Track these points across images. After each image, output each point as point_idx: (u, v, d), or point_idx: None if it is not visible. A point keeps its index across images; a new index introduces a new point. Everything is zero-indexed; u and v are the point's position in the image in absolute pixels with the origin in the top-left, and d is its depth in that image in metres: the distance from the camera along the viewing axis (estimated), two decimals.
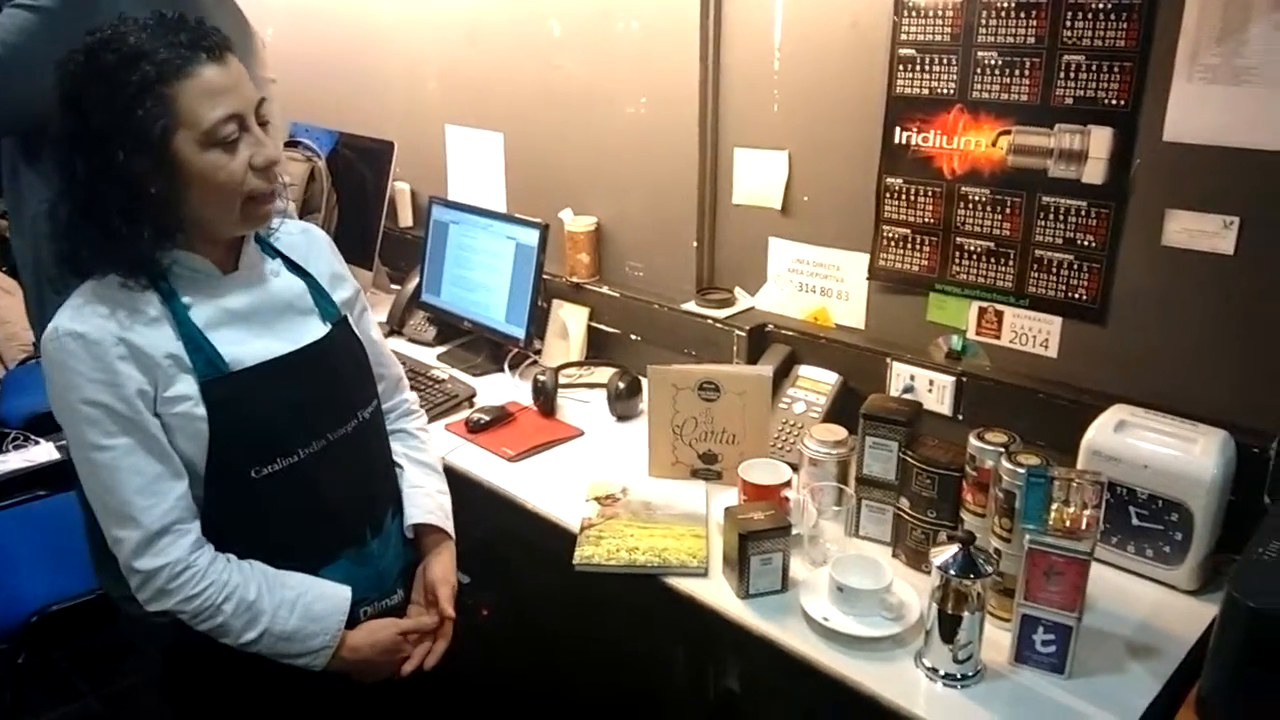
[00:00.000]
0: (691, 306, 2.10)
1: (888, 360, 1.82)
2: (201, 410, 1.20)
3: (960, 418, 1.75)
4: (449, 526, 1.49)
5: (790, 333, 1.97)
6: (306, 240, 1.42)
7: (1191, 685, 1.24)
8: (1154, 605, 1.44)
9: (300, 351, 1.30)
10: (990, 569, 1.26)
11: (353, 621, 1.31)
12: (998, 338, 1.73)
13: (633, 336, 2.22)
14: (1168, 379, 1.54)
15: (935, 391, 1.77)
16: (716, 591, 1.48)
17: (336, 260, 1.46)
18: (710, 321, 2.05)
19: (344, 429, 1.33)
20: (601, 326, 2.28)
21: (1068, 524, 1.26)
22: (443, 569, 1.45)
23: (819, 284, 1.96)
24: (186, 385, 1.20)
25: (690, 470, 1.78)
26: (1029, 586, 1.28)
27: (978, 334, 1.75)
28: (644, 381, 1.98)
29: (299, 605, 1.25)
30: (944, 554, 1.28)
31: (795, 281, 2.00)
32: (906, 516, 1.52)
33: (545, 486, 1.77)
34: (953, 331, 1.78)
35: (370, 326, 1.50)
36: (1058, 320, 1.65)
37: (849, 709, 1.31)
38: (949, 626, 1.28)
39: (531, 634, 1.74)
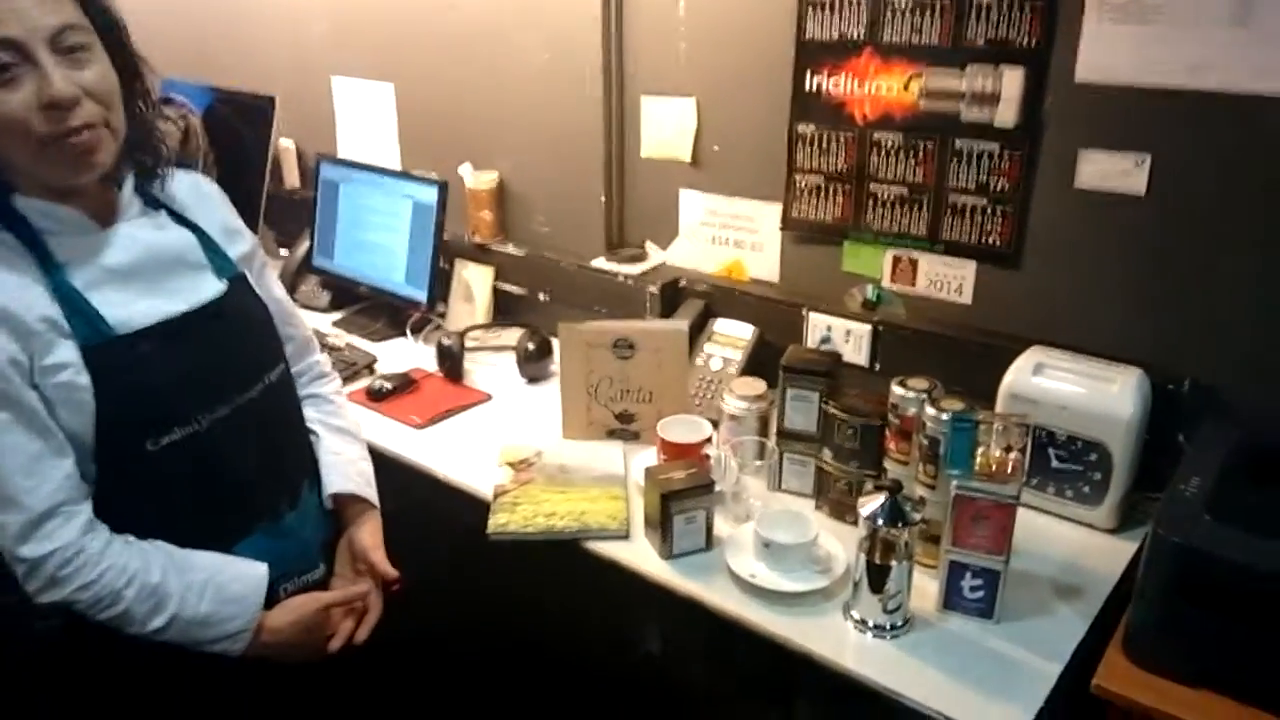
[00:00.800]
0: (601, 263, 2.02)
1: (804, 311, 1.79)
2: (84, 379, 1.08)
3: (877, 368, 1.73)
4: (372, 495, 1.40)
5: (704, 287, 1.92)
6: (195, 191, 1.30)
7: (1117, 623, 1.25)
8: (1075, 545, 1.44)
9: (196, 311, 1.19)
10: (918, 517, 1.24)
11: (272, 600, 1.23)
12: (913, 285, 1.71)
13: (541, 296, 2.14)
14: (1083, 320, 1.54)
15: (852, 342, 1.74)
16: (639, 554, 1.42)
17: (230, 213, 1.34)
18: (621, 278, 1.98)
19: (249, 394, 1.23)
20: (508, 287, 2.19)
21: (993, 468, 1.24)
22: (371, 536, 1.36)
23: (732, 236, 1.90)
24: (66, 352, 1.07)
25: (606, 431, 1.71)
26: (956, 533, 1.26)
27: (892, 282, 1.73)
28: (554, 342, 1.91)
29: (210, 587, 1.16)
30: (871, 504, 1.25)
31: (708, 234, 1.94)
32: (829, 468, 1.49)
33: (455, 454, 1.69)
34: (868, 281, 1.76)
35: (272, 284, 1.39)
36: (972, 265, 1.64)
37: (778, 666, 1.27)
38: (877, 577, 1.25)
39: (445, 608, 1.66)
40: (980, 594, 1.28)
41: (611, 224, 2.05)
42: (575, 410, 1.70)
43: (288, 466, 1.32)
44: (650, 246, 2.03)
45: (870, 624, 1.27)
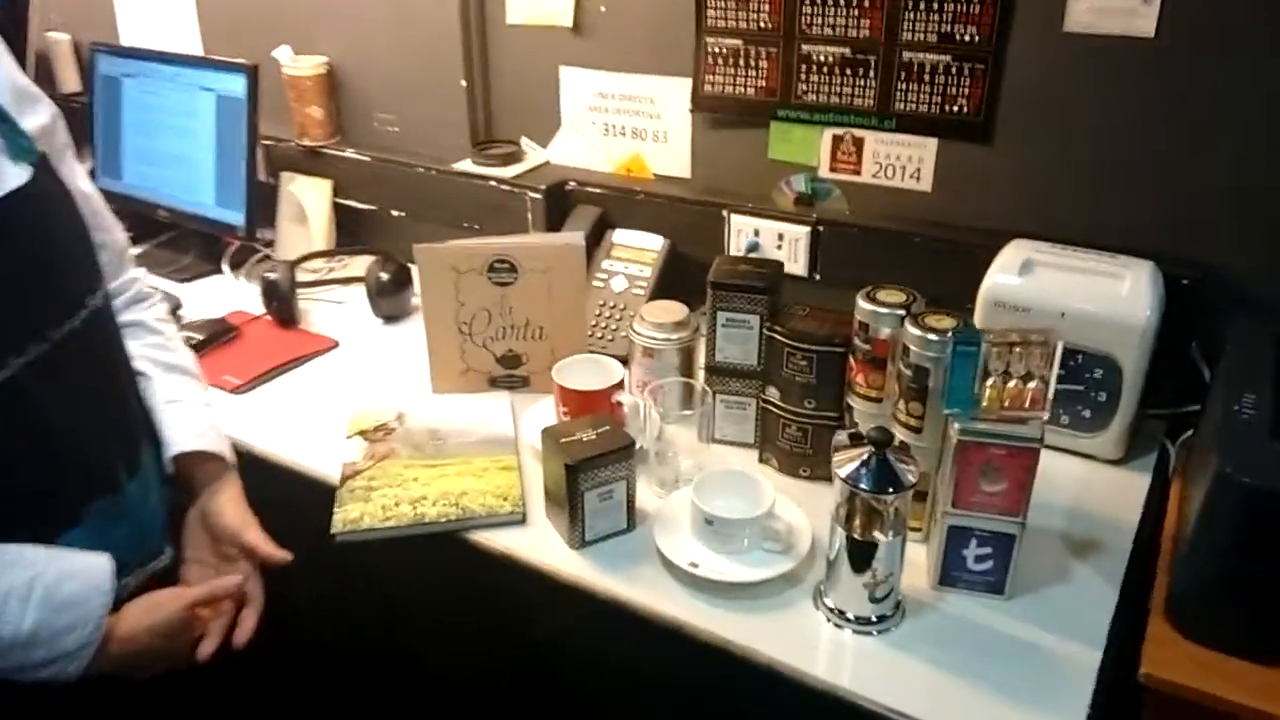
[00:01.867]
0: (467, 166, 1.63)
1: (724, 213, 1.44)
2: None
3: (818, 277, 1.41)
4: (227, 450, 1.09)
5: (598, 190, 1.55)
6: None
7: (1147, 581, 0.99)
8: (1079, 484, 1.17)
9: None
10: (913, 478, 0.92)
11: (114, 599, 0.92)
12: (858, 173, 1.38)
13: (394, 212, 1.74)
14: (1073, 203, 1.25)
15: (786, 247, 1.41)
16: (541, 542, 1.08)
17: (18, 72, 0.94)
18: (493, 184, 1.59)
19: (71, 323, 0.91)
20: (350, 203, 1.77)
21: (1006, 403, 0.93)
22: (235, 506, 1.05)
23: (630, 124, 1.53)
24: None
25: (488, 379, 1.35)
26: (959, 490, 0.96)
27: (833, 170, 1.40)
28: (414, 269, 1.53)
29: (36, 592, 0.85)
30: (850, 461, 0.93)
31: (599, 123, 1.56)
32: (777, 411, 1.17)
33: (289, 424, 1.30)
34: (801, 170, 1.42)
35: (78, 173, 1.02)
36: (932, 143, 1.32)
37: (729, 667, 0.97)
38: (861, 556, 0.94)
39: (295, 625, 1.28)
40: (988, 564, 0.99)
41: (476, 116, 1.65)
42: (445, 355, 1.33)
43: (124, 421, 1.00)
44: (527, 143, 1.64)
45: (850, 616, 0.97)
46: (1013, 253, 1.20)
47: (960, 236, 1.30)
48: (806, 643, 0.96)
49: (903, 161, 1.34)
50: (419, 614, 1.27)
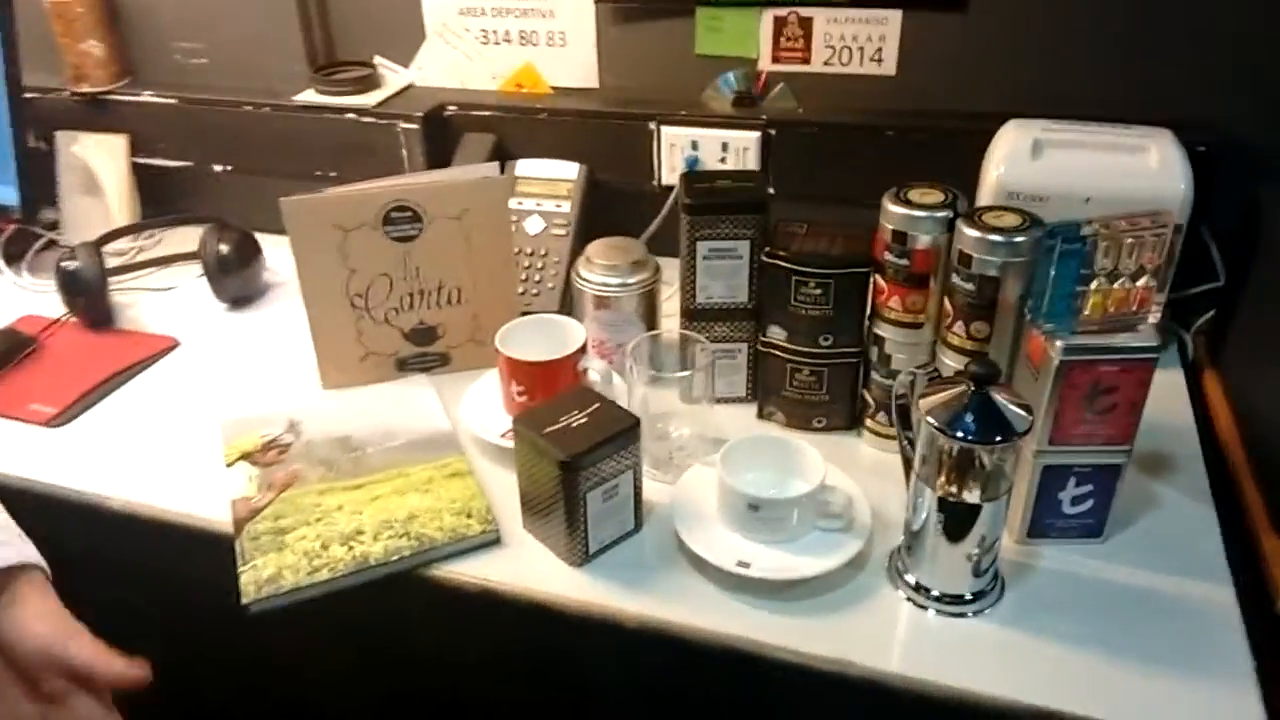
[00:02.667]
0: (310, 97, 1.29)
1: (653, 125, 1.19)
2: None
3: (771, 190, 1.19)
4: (26, 550, 0.72)
5: (487, 112, 1.26)
6: None
7: (1225, 493, 0.88)
8: None
9: None
10: (1029, 416, 0.73)
11: None
12: (806, 61, 1.17)
13: (216, 167, 1.37)
14: (1065, 71, 1.09)
15: (733, 158, 1.19)
16: (529, 565, 0.83)
17: None
18: (350, 116, 1.26)
19: None
20: (154, 161, 1.39)
21: (1111, 309, 0.76)
22: (46, 616, 0.69)
23: (515, 26, 1.24)
24: None
25: (395, 363, 1.06)
26: (1060, 421, 0.78)
27: (775, 61, 1.18)
28: (260, 237, 1.21)
29: None
30: (947, 405, 0.73)
31: (474, 29, 1.26)
32: (782, 354, 0.95)
33: (137, 457, 0.96)
34: (736, 65, 1.19)
35: None
36: (895, 16, 1.12)
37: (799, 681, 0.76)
38: (959, 522, 0.75)
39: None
40: (1087, 506, 0.82)
41: (313, 34, 1.31)
42: (336, 339, 1.02)
43: None
44: (383, 64, 1.32)
45: (937, 594, 0.78)
46: (1014, 134, 1.02)
47: (940, 124, 1.12)
48: (902, 639, 0.77)
49: (860, 42, 1.14)
50: (363, 674, 0.99)
